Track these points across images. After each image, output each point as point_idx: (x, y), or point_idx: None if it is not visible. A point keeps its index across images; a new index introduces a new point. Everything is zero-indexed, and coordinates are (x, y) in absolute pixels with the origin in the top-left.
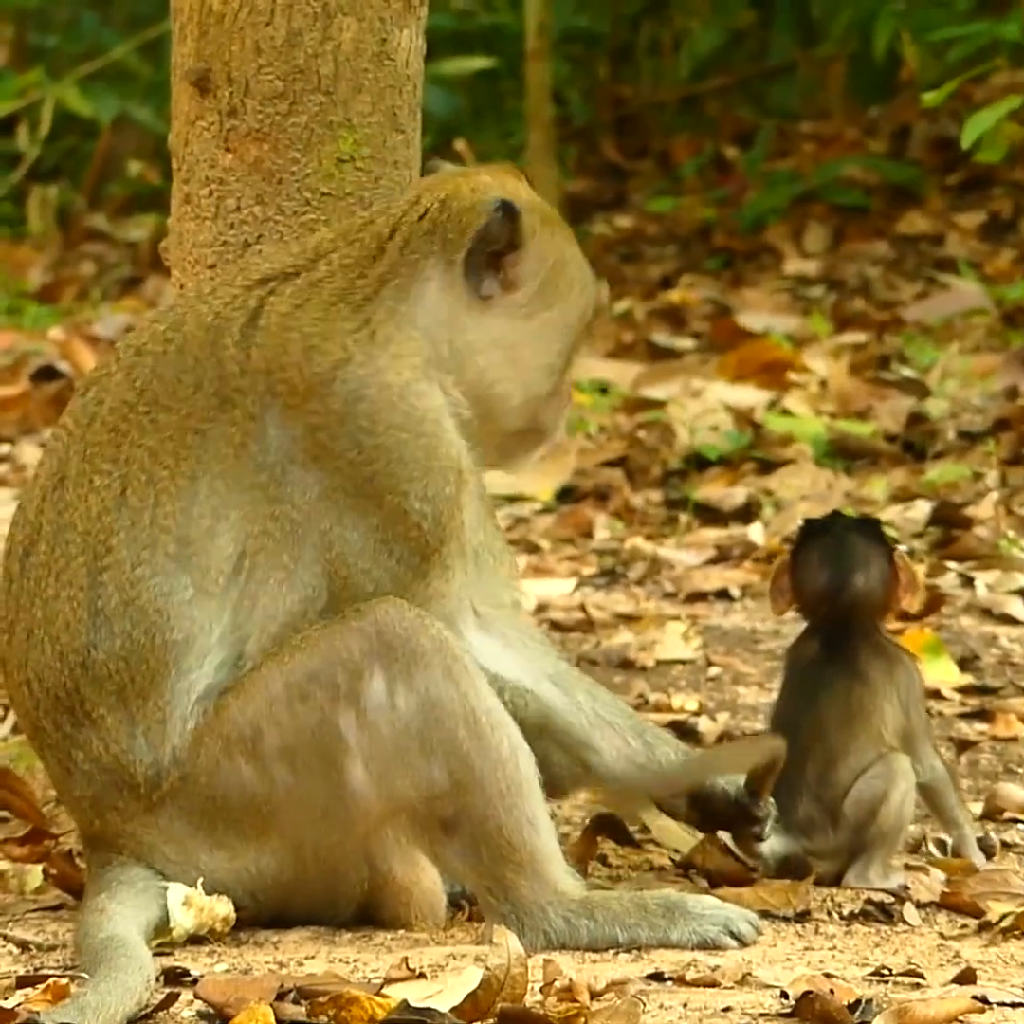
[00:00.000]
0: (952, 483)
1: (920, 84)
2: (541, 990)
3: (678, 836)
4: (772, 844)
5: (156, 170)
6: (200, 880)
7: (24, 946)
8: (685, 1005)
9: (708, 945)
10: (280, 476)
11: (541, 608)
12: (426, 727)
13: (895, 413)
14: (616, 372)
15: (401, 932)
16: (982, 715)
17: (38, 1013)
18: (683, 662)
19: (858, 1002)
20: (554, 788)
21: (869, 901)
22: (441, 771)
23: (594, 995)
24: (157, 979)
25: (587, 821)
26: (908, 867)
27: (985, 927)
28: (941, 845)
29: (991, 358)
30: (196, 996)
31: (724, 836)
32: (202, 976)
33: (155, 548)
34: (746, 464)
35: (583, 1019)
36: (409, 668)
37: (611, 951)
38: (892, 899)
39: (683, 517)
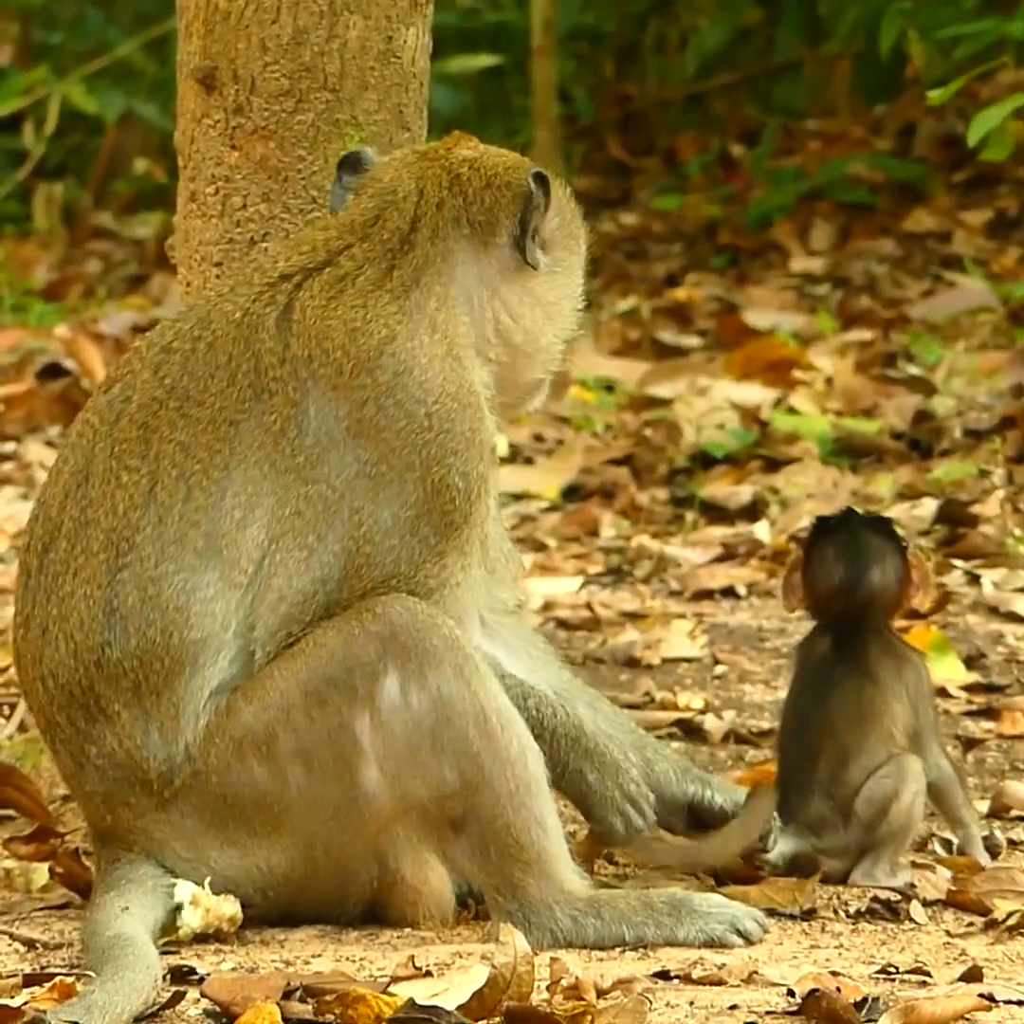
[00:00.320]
0: (958, 481)
1: (926, 82)
2: (547, 988)
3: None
4: (781, 847)
5: (162, 168)
6: (207, 879)
7: (30, 944)
8: (691, 1003)
9: (714, 943)
10: (318, 457)
11: (547, 606)
12: (438, 726)
13: (901, 411)
14: (622, 370)
15: (407, 931)
16: (989, 713)
17: (45, 1011)
18: (689, 660)
19: (865, 1000)
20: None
21: (876, 899)
22: (452, 770)
23: (600, 993)
24: (164, 978)
25: None
26: (915, 865)
27: (991, 925)
28: (947, 844)
29: (997, 356)
30: (203, 994)
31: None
32: (209, 975)
33: (183, 544)
34: (752, 462)
35: (589, 1017)
36: (422, 667)
37: (617, 949)
38: (899, 897)
39: (689, 515)
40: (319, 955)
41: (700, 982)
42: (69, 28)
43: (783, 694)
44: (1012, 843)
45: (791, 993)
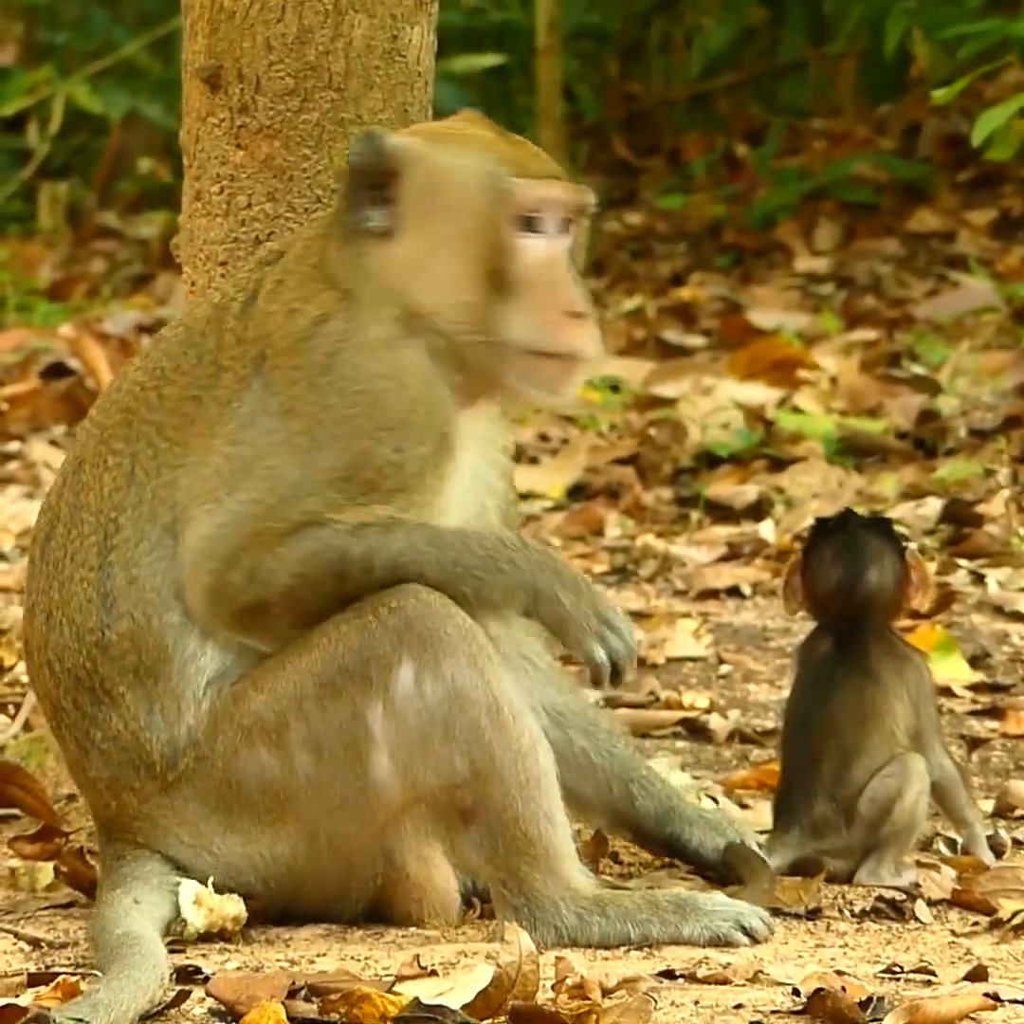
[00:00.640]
0: (963, 480)
1: (931, 81)
2: (553, 987)
3: None
4: (783, 856)
5: (166, 167)
6: (210, 879)
7: (35, 944)
8: (696, 1002)
9: (720, 941)
10: (248, 424)
11: None
12: (451, 715)
13: (906, 410)
14: (627, 370)
15: (412, 929)
16: (993, 712)
17: (49, 1009)
18: (694, 659)
19: (869, 999)
20: None
21: (881, 899)
22: (463, 759)
23: (606, 992)
24: (169, 977)
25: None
26: (920, 865)
27: (996, 924)
28: (951, 844)
29: (1002, 355)
30: (208, 994)
31: None
32: (214, 974)
33: (155, 522)
34: (757, 462)
35: (594, 1016)
36: (437, 656)
37: (622, 948)
38: (904, 896)
39: (694, 515)
40: (324, 954)
41: (705, 981)
42: (74, 27)
43: (787, 694)
44: (1017, 842)
45: (796, 992)
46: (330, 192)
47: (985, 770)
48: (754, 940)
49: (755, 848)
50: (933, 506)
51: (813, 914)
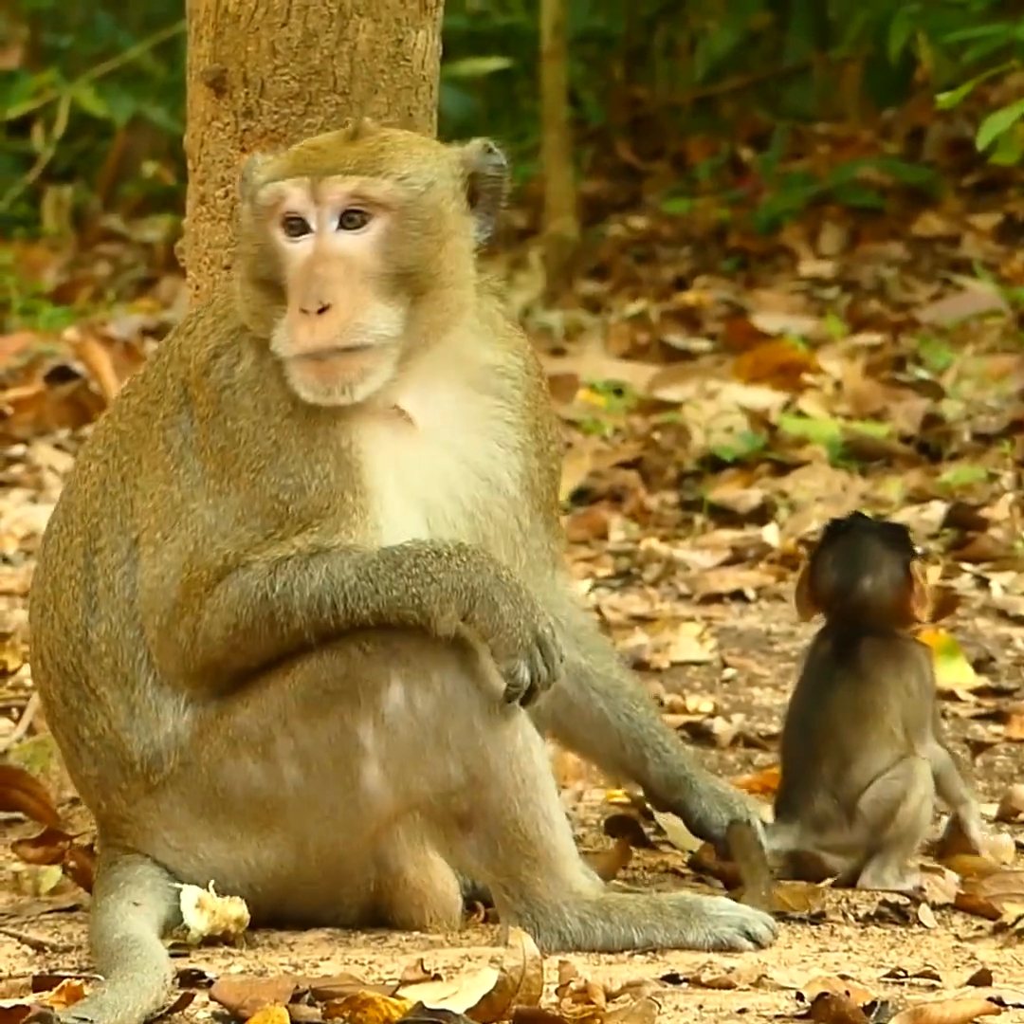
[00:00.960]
0: (967, 484)
1: (935, 86)
2: (556, 991)
3: (691, 837)
4: (781, 842)
5: (171, 171)
6: (211, 882)
7: (39, 947)
8: (700, 1007)
9: (724, 946)
10: (178, 457)
11: None
12: (442, 723)
13: (910, 415)
14: (631, 373)
15: (416, 934)
16: (997, 717)
17: (52, 1008)
18: (698, 664)
19: (874, 1004)
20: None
21: (884, 903)
22: (457, 766)
23: (609, 996)
24: (173, 981)
25: (602, 822)
26: (924, 869)
27: (1001, 929)
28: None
29: (1006, 360)
30: (211, 997)
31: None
32: (217, 978)
33: (125, 535)
34: (761, 465)
35: (598, 1021)
36: (425, 668)
37: (626, 952)
38: (908, 901)
39: (698, 519)
40: (328, 958)
41: (709, 986)
42: (79, 31)
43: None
44: (1021, 846)
45: (800, 997)
46: None
47: (989, 774)
48: (758, 945)
49: (760, 830)
50: (937, 510)
51: (817, 918)
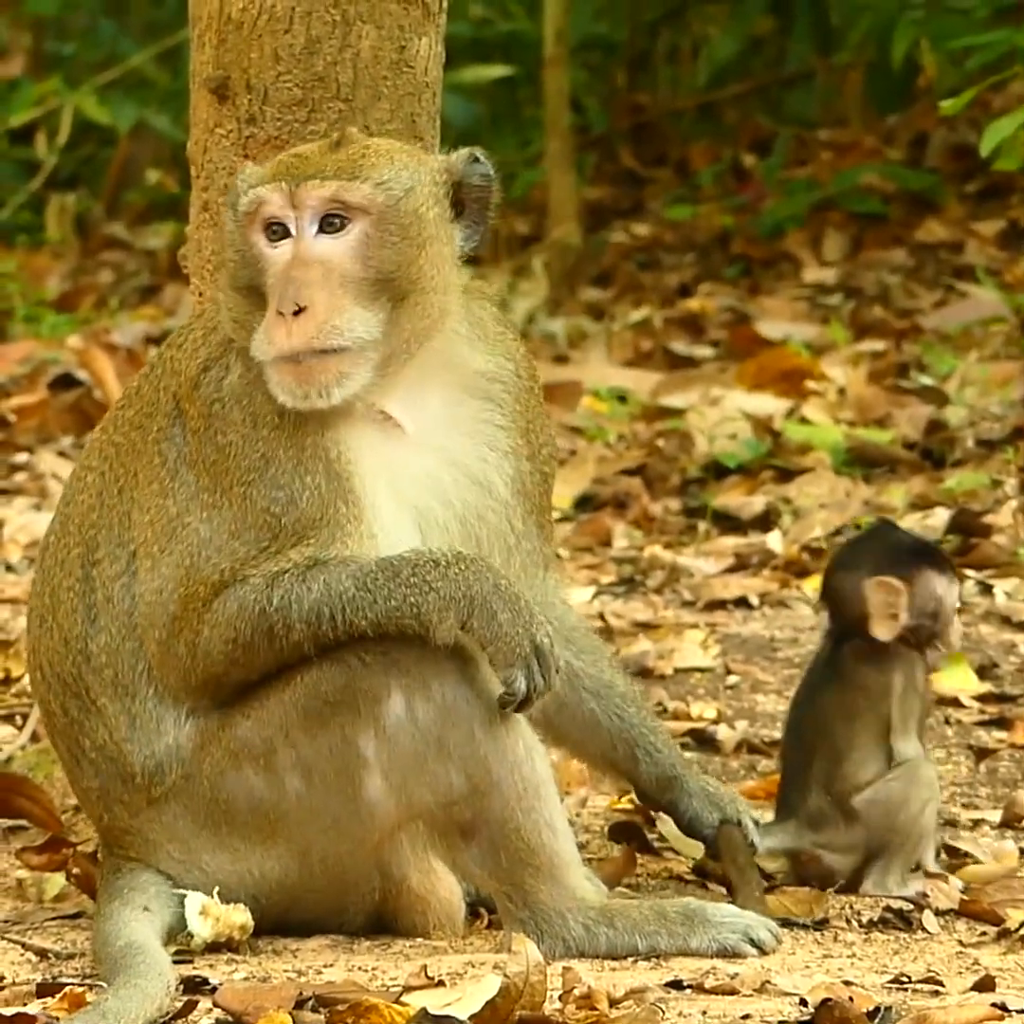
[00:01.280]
0: (971, 491)
1: (938, 92)
2: (560, 998)
3: (695, 843)
4: (776, 841)
5: (174, 178)
6: (216, 889)
7: (43, 954)
8: (704, 1013)
9: (728, 953)
10: (173, 471)
11: None
12: (444, 733)
13: (914, 421)
14: (635, 380)
15: (420, 940)
16: (1001, 723)
17: (58, 1019)
18: (702, 670)
19: (877, 1010)
20: None
21: (888, 909)
22: (458, 775)
23: (613, 1003)
24: (176, 987)
25: (606, 829)
26: (927, 875)
27: (1004, 935)
28: (951, 851)
29: (1010, 366)
30: (215, 1004)
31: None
32: (221, 984)
33: (124, 547)
34: (765, 472)
35: None
36: (425, 678)
37: (630, 959)
38: (911, 907)
39: (702, 525)
40: (331, 965)
41: (713, 992)
42: (82, 39)
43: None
44: None
45: (804, 1003)
46: None
47: (992, 780)
48: (762, 951)
49: (752, 829)
50: (941, 516)
51: (821, 924)
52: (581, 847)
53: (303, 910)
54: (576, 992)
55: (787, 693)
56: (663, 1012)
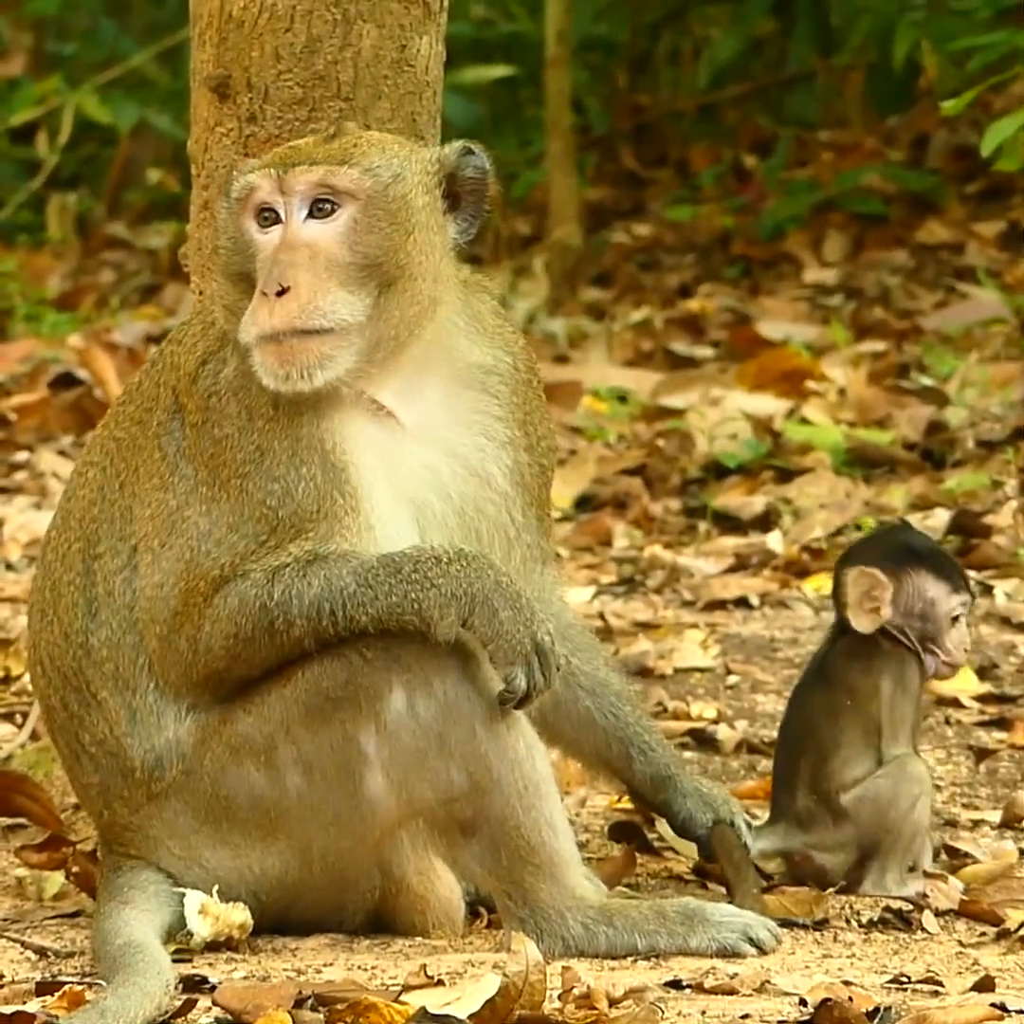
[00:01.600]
0: (971, 492)
1: (939, 93)
2: (559, 997)
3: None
4: (768, 842)
5: (175, 177)
6: (215, 887)
7: (42, 953)
8: (703, 1012)
9: (727, 952)
10: (173, 466)
11: None
12: (445, 730)
13: (914, 422)
14: (635, 381)
15: (419, 939)
16: (1001, 723)
17: (57, 1017)
18: (702, 670)
19: (877, 1010)
20: None
21: (888, 909)
22: (459, 772)
23: (612, 1002)
24: (176, 986)
25: (606, 828)
26: (927, 875)
27: (1004, 935)
28: (951, 852)
29: (1010, 367)
30: (214, 1003)
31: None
32: (220, 983)
33: (125, 541)
34: (765, 472)
35: None
36: (427, 675)
37: (629, 958)
38: (911, 907)
39: (702, 525)
40: (331, 964)
41: (712, 991)
42: (83, 38)
43: None
44: None
45: (803, 1002)
46: None
47: (992, 781)
48: (762, 951)
49: (745, 829)
50: (941, 517)
51: (820, 924)
52: (581, 847)
53: (303, 908)
54: (575, 991)
55: (787, 693)
56: (662, 1012)
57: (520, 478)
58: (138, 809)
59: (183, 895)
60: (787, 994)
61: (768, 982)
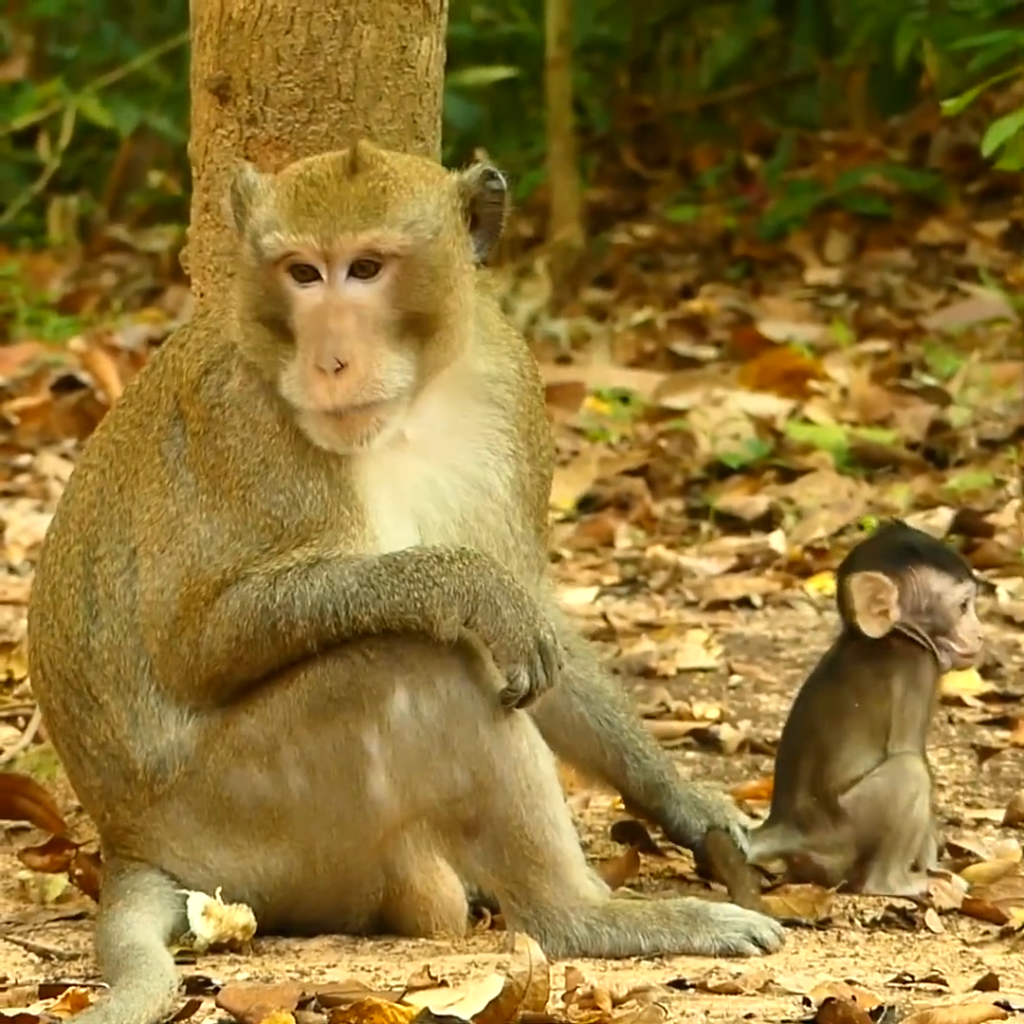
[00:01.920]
0: (973, 491)
1: (941, 93)
2: (563, 998)
3: None
4: (767, 845)
5: (177, 180)
6: (219, 890)
7: (45, 955)
8: (707, 1012)
9: (731, 952)
10: (173, 472)
11: None
12: (448, 729)
13: (917, 421)
14: (637, 381)
15: (423, 941)
16: (1004, 722)
17: (60, 1020)
18: (704, 670)
19: (880, 1009)
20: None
21: (891, 908)
22: (463, 772)
23: (616, 1003)
24: (179, 988)
25: (609, 829)
26: (930, 874)
27: (1007, 934)
28: (954, 851)
29: (1012, 366)
30: (218, 1005)
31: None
32: (224, 985)
33: (125, 543)
34: (767, 472)
35: None
36: (430, 675)
37: (633, 958)
38: (914, 906)
39: (704, 526)
40: (334, 965)
41: (716, 991)
42: (84, 41)
43: None
44: None
45: (807, 1002)
46: None
47: (996, 780)
48: (765, 950)
49: (739, 835)
50: (944, 517)
51: (824, 924)
52: (584, 847)
53: (307, 909)
54: (579, 992)
55: (790, 693)
56: (666, 1012)
57: (521, 489)
58: (141, 812)
59: (186, 897)
60: (791, 993)
61: (772, 982)
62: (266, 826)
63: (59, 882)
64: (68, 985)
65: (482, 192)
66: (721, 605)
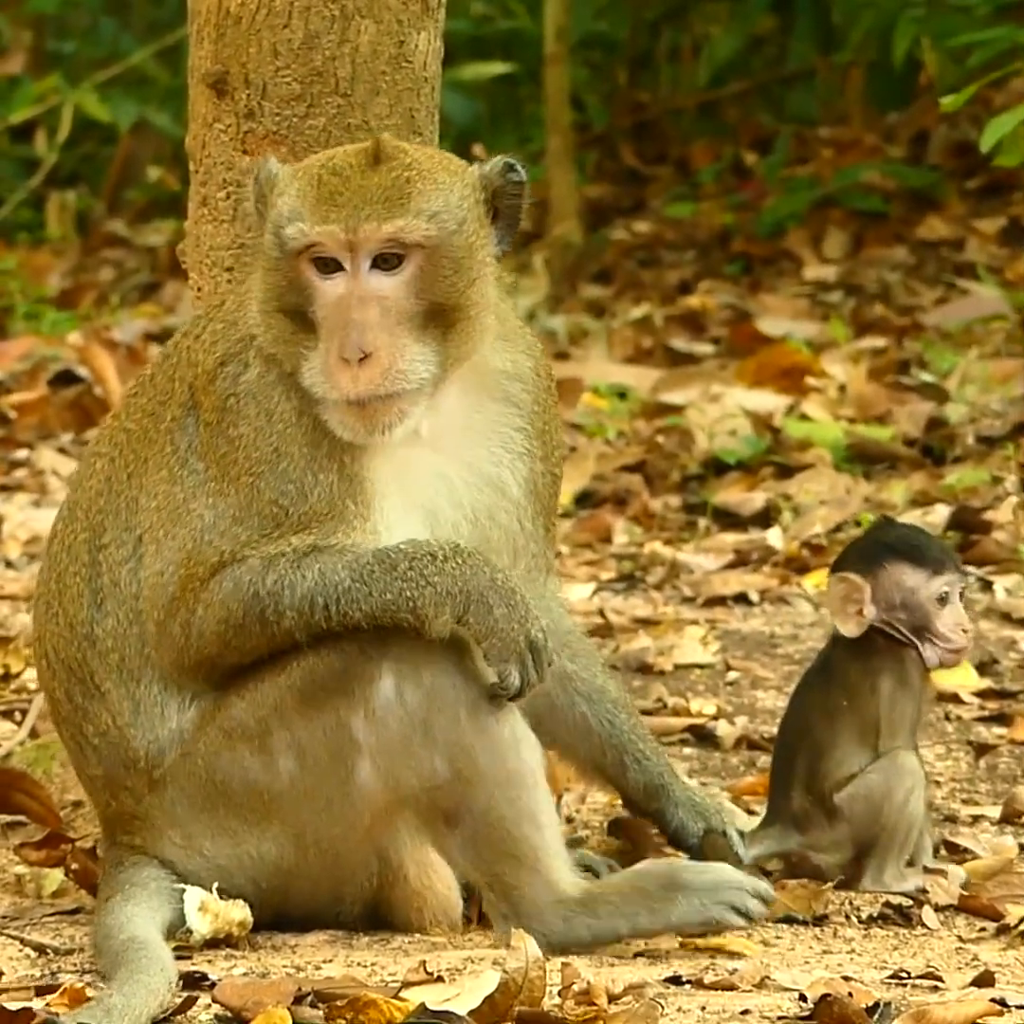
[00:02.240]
0: (971, 488)
1: (939, 89)
2: (559, 993)
3: None
4: (763, 847)
5: (175, 175)
6: (215, 885)
7: (41, 950)
8: (703, 1008)
9: (713, 924)
10: (183, 460)
11: None
12: (429, 717)
13: (914, 418)
14: (635, 377)
15: (418, 936)
16: (1001, 719)
17: (58, 1015)
18: (702, 666)
19: (876, 1005)
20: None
21: (887, 904)
22: (442, 760)
23: (612, 998)
24: (176, 981)
25: (605, 825)
26: (926, 870)
27: (1003, 930)
28: (951, 847)
29: (1010, 363)
30: (214, 1000)
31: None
32: (220, 980)
33: (131, 531)
34: (765, 469)
35: (601, 1022)
36: (416, 663)
37: (617, 943)
38: (910, 902)
39: (702, 522)
40: (330, 960)
41: (712, 987)
42: (82, 36)
43: None
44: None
45: (803, 998)
46: None
47: (992, 776)
48: (749, 919)
49: (736, 839)
50: (941, 513)
51: (820, 920)
52: (580, 843)
53: (302, 897)
54: (575, 987)
55: (787, 689)
56: (662, 1007)
57: (533, 488)
58: (141, 799)
59: (183, 892)
60: (787, 989)
61: (768, 977)
62: (257, 810)
63: (55, 877)
64: (65, 980)
65: (503, 184)
66: (718, 601)
